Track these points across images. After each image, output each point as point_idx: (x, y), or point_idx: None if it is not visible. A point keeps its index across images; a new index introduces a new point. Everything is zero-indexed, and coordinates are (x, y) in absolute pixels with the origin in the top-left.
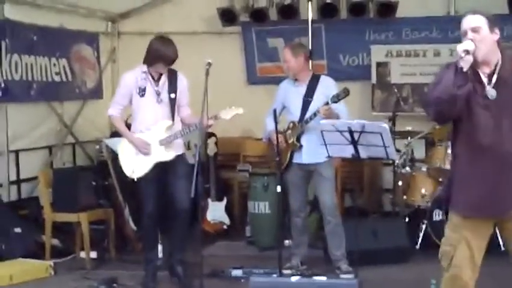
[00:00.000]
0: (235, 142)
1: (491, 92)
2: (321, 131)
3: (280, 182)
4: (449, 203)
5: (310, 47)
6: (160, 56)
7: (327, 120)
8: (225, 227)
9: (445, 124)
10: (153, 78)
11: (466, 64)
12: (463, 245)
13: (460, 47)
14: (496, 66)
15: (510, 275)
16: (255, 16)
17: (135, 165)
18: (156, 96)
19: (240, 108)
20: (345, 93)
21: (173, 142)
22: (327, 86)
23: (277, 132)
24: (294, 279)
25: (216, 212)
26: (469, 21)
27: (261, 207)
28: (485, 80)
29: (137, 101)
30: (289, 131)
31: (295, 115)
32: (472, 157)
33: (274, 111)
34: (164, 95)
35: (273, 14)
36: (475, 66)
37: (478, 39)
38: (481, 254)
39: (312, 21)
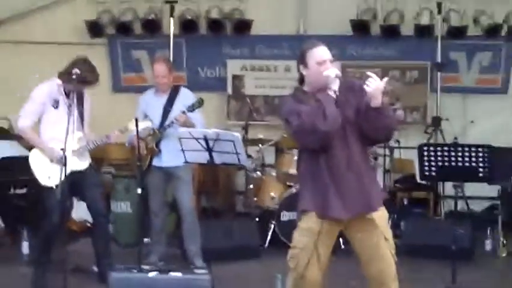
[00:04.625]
0: (100, 146)
1: None
2: (179, 138)
3: (141, 184)
4: (307, 211)
5: (171, 60)
6: (83, 79)
7: (185, 129)
8: (88, 225)
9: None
10: (64, 91)
11: (336, 87)
12: (311, 248)
13: (332, 72)
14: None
15: (349, 271)
16: (121, 29)
17: (50, 172)
18: (67, 108)
19: (149, 122)
20: (200, 103)
21: (85, 152)
22: (186, 97)
23: (138, 138)
24: (151, 274)
25: (80, 210)
26: (326, 52)
27: (123, 206)
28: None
29: (50, 112)
30: (150, 137)
31: (156, 123)
32: (328, 168)
33: (136, 119)
34: (74, 108)
35: (137, 28)
36: (318, 92)
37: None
38: (327, 253)
39: (174, 35)
